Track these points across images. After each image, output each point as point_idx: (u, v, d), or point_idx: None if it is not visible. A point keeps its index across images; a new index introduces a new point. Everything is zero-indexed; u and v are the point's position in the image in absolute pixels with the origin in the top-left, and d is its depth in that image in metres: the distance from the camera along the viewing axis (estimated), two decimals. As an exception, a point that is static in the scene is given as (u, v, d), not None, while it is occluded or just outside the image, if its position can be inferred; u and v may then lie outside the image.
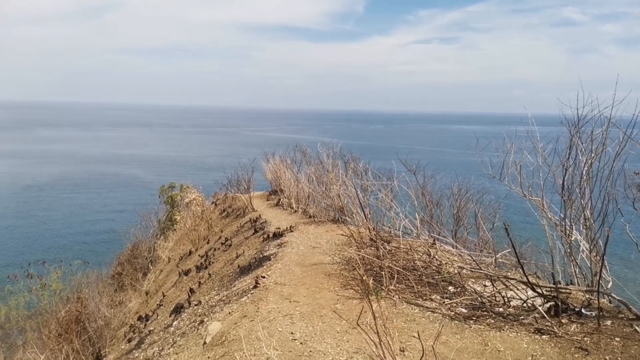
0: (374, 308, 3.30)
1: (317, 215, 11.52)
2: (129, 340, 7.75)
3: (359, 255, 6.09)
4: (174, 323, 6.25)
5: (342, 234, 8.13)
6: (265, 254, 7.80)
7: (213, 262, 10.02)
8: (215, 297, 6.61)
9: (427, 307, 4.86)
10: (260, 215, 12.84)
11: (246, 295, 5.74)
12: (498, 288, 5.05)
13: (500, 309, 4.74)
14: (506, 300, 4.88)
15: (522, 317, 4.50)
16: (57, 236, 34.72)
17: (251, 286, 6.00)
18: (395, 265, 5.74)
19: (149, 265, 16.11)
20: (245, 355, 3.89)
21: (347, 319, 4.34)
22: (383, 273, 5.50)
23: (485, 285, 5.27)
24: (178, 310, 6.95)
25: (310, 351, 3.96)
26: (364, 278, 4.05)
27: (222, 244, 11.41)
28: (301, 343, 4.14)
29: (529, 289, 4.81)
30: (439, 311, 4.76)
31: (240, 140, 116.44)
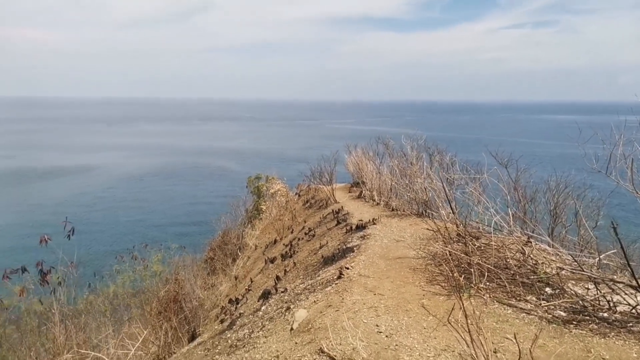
0: (464, 306, 3.19)
1: (400, 208, 11.36)
2: (221, 321, 8.23)
3: (446, 250, 5.92)
4: (262, 308, 6.52)
5: (427, 228, 7.94)
6: (348, 246, 7.86)
7: (297, 252, 10.29)
8: (301, 285, 6.80)
9: (521, 309, 4.60)
10: (342, 207, 12.94)
11: (330, 285, 5.82)
12: (603, 291, 4.65)
13: (605, 314, 4.36)
14: (612, 305, 4.47)
15: (631, 324, 4.11)
16: (156, 222, 37.87)
17: (335, 277, 6.08)
18: (485, 262, 5.49)
19: (238, 251, 16.96)
20: (331, 344, 3.96)
21: (435, 315, 4.24)
22: (472, 270, 5.29)
23: (587, 288, 4.87)
24: (266, 295, 7.24)
25: (396, 345, 3.93)
26: (454, 274, 3.93)
27: (305, 234, 11.68)
28: (387, 336, 4.12)
29: (638, 293, 4.37)
30: (535, 313, 4.49)
31: (323, 133, 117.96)
